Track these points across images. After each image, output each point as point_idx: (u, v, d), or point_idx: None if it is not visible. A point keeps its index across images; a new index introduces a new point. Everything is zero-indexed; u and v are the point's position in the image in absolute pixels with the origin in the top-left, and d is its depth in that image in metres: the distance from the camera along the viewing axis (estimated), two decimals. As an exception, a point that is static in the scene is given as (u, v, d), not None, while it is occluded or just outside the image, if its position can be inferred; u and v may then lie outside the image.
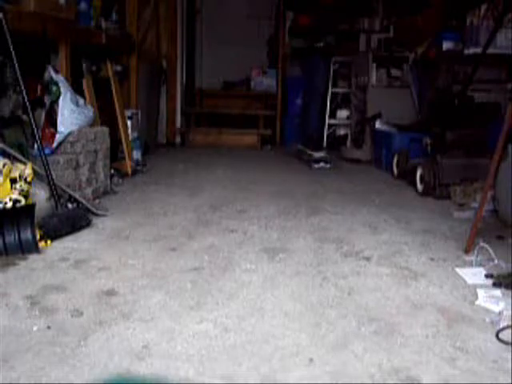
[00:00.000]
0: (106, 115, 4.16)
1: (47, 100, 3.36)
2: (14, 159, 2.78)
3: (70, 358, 1.59)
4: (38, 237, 2.53)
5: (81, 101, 3.52)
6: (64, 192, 3.07)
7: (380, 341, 1.73)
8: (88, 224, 2.92)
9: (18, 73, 2.83)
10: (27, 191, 2.65)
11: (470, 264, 2.44)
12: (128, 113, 4.66)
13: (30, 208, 2.57)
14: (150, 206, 3.43)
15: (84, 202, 3.14)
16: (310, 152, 5.30)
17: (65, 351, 1.63)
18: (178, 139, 6.64)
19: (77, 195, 3.15)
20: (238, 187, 4.08)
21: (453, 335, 1.78)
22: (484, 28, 4.20)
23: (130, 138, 4.58)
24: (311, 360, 1.61)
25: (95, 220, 3.03)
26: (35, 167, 2.82)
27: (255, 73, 7.21)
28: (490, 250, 2.46)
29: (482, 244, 2.51)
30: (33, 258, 2.43)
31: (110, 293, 2.07)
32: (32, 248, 2.48)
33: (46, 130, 3.31)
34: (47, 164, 2.88)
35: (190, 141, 6.54)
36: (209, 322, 1.84)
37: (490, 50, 4.01)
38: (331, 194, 3.94)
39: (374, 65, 5.64)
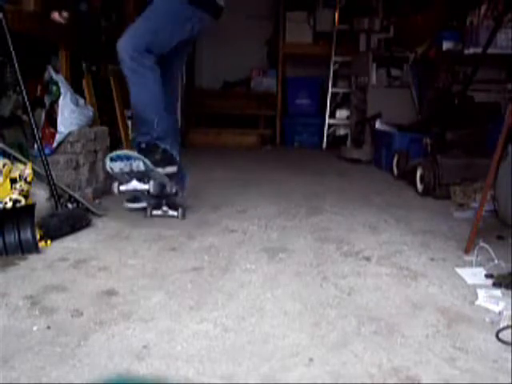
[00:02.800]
0: (105, 115, 4.16)
1: (47, 100, 3.37)
2: (14, 159, 2.79)
3: (70, 357, 1.59)
4: (38, 237, 2.53)
5: (81, 101, 3.53)
6: (64, 192, 3.07)
7: (380, 341, 1.73)
8: (88, 224, 2.92)
9: (18, 73, 2.83)
10: (27, 191, 2.65)
11: (470, 264, 2.44)
12: (128, 113, 4.66)
13: (30, 208, 2.57)
14: (150, 206, 3.42)
15: (84, 201, 3.14)
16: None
17: (65, 351, 1.63)
18: (177, 139, 6.64)
19: (77, 195, 3.15)
20: (238, 187, 4.08)
21: (453, 335, 1.78)
22: (484, 28, 4.20)
23: (130, 137, 4.59)
24: (311, 360, 1.61)
25: (95, 220, 3.03)
26: (35, 167, 2.82)
27: (255, 73, 7.22)
28: (490, 250, 2.46)
29: (482, 244, 2.51)
30: (33, 258, 2.43)
31: (110, 293, 2.07)
32: (32, 248, 2.48)
33: (46, 130, 3.31)
34: (47, 164, 2.88)
35: (189, 141, 6.54)
36: (209, 322, 1.84)
37: (490, 50, 4.01)
38: (331, 194, 3.94)
39: (374, 65, 5.65)
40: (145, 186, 2.88)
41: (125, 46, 2.80)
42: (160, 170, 2.90)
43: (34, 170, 2.74)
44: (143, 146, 2.96)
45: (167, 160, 2.95)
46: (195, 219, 3.16)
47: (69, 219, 2.80)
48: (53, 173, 2.92)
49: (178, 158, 3.04)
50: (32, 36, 3.20)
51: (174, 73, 3.21)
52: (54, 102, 3.34)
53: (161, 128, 2.94)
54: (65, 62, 3.54)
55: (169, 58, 2.98)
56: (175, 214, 3.04)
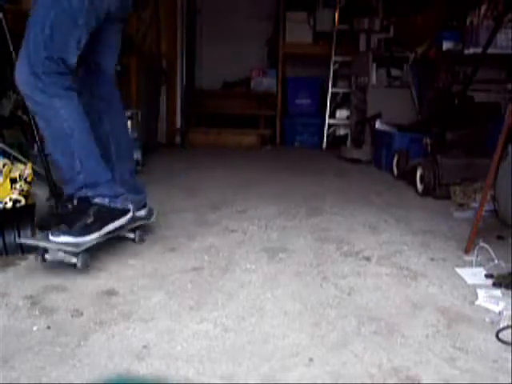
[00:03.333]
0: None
1: (47, 100, 3.36)
2: (14, 159, 2.79)
3: (70, 357, 1.59)
4: (37, 237, 2.53)
5: (81, 101, 3.52)
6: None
7: (380, 341, 1.73)
8: (88, 224, 2.92)
9: (18, 73, 2.83)
10: (27, 191, 2.65)
11: (470, 264, 2.44)
12: (128, 113, 4.66)
13: (29, 208, 2.57)
14: (149, 206, 3.42)
15: (84, 202, 3.13)
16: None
17: (65, 351, 1.63)
18: (178, 139, 6.65)
19: (77, 195, 3.14)
20: (237, 187, 4.08)
21: (453, 335, 1.78)
22: (484, 28, 4.19)
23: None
24: (311, 360, 1.61)
25: (95, 220, 3.03)
26: (35, 167, 2.82)
27: (255, 73, 7.21)
28: (490, 250, 2.46)
29: (482, 244, 2.51)
30: (33, 258, 2.43)
31: (110, 293, 2.07)
32: (32, 248, 2.47)
33: (46, 130, 3.31)
34: (47, 164, 2.88)
35: (189, 141, 6.54)
36: (209, 322, 1.85)
37: (490, 50, 4.01)
38: (331, 194, 3.94)
39: (374, 65, 5.65)
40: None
41: (20, 76, 2.23)
42: (95, 235, 2.31)
43: (33, 169, 2.74)
44: (70, 205, 2.39)
45: (107, 218, 2.36)
46: (195, 219, 3.16)
47: (69, 219, 2.80)
48: (53, 173, 2.92)
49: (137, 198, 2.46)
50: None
51: (107, 71, 2.57)
52: (54, 102, 3.34)
53: (86, 171, 2.31)
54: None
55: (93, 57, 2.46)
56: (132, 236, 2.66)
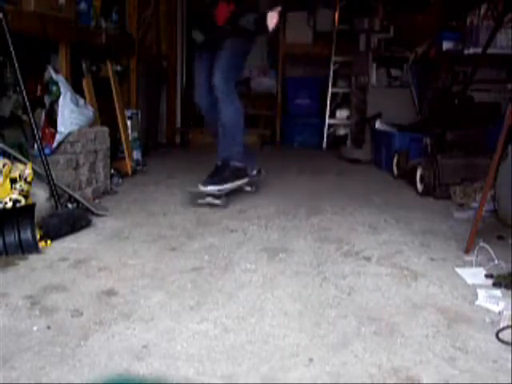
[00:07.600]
0: (106, 115, 4.16)
1: (47, 100, 3.37)
2: (14, 159, 2.78)
3: (70, 357, 1.59)
4: (38, 237, 2.53)
5: (81, 101, 3.53)
6: (64, 192, 3.07)
7: (380, 341, 1.73)
8: (88, 224, 2.92)
9: (18, 73, 2.83)
10: (27, 191, 2.65)
11: (470, 264, 2.44)
12: (128, 113, 4.66)
13: (30, 208, 2.57)
14: (150, 206, 3.43)
15: (84, 201, 3.14)
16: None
17: (65, 351, 1.63)
18: (177, 139, 6.65)
19: (77, 195, 3.15)
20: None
21: (453, 335, 1.78)
22: (484, 28, 4.20)
23: (130, 138, 4.59)
24: (311, 360, 1.61)
25: (95, 220, 3.03)
26: (35, 167, 2.82)
27: (255, 73, 7.21)
28: (490, 250, 2.46)
29: (482, 244, 2.51)
30: (33, 258, 2.43)
31: (110, 293, 2.07)
32: (32, 248, 2.48)
33: (46, 130, 3.31)
34: (47, 164, 2.88)
35: (189, 141, 6.54)
36: (209, 321, 1.84)
37: (490, 50, 4.01)
38: (331, 194, 3.94)
39: (374, 65, 5.65)
40: None
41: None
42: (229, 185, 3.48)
43: (33, 170, 2.74)
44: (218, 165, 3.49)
45: (237, 175, 3.57)
46: (195, 219, 3.16)
47: (69, 219, 2.80)
48: (53, 173, 2.92)
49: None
50: (32, 36, 3.19)
51: None
52: (54, 102, 3.34)
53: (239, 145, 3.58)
54: (65, 60, 3.54)
55: None
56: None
